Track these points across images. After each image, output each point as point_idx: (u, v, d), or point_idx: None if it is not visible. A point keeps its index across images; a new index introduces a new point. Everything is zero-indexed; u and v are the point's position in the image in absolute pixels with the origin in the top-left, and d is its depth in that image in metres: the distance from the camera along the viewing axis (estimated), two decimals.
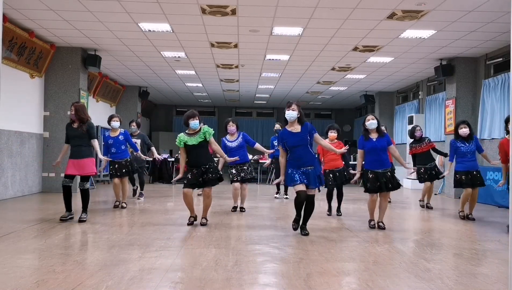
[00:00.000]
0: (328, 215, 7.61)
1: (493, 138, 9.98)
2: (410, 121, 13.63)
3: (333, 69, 12.44)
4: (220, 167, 7.33)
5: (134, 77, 14.43)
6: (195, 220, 6.38)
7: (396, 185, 6.17)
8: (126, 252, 4.62)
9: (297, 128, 5.61)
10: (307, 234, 5.67)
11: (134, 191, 9.68)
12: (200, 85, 15.62)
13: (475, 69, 10.97)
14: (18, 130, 9.32)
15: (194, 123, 6.10)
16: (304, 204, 5.67)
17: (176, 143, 6.17)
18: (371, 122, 6.22)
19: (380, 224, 6.32)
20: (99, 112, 13.44)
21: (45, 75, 10.52)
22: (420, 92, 14.01)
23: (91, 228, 6.09)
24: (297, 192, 5.54)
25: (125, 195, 8.27)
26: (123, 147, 8.02)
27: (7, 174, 8.99)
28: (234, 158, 6.74)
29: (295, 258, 4.57)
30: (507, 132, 6.48)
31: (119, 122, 8.08)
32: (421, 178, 8.56)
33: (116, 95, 15.56)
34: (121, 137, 7.99)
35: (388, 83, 14.71)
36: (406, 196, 11.18)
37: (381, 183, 6.07)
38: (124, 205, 8.09)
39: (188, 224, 6.27)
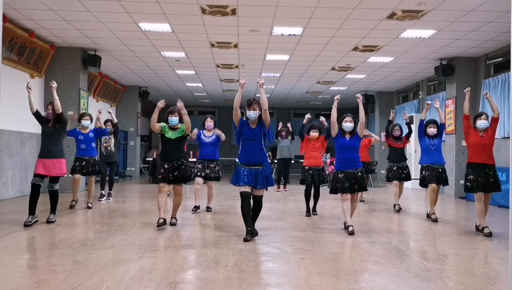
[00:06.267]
0: (307, 216, 7.48)
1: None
2: (410, 121, 13.61)
3: (333, 69, 12.44)
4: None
5: (134, 77, 14.44)
6: (165, 223, 6.16)
7: (364, 187, 6.05)
8: (126, 252, 4.62)
9: (254, 124, 5.63)
10: (256, 234, 5.57)
11: (110, 194, 9.42)
12: (200, 85, 15.63)
13: (475, 69, 10.97)
14: (18, 130, 9.32)
15: (173, 119, 6.11)
16: (252, 205, 5.61)
17: (159, 130, 6.14)
18: (348, 125, 6.03)
19: (350, 228, 5.99)
20: None
21: (45, 75, 10.52)
22: (420, 92, 14.01)
23: (91, 228, 6.09)
24: (241, 193, 5.51)
25: (91, 195, 8.08)
26: (93, 144, 7.97)
27: (7, 174, 8.99)
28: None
29: (295, 258, 4.57)
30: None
31: (89, 121, 7.99)
32: (389, 177, 8.47)
33: (116, 95, 15.57)
34: (91, 134, 7.94)
35: (388, 83, 14.71)
36: (406, 196, 11.17)
37: (350, 183, 5.94)
38: (90, 205, 7.89)
39: (158, 226, 6.04)
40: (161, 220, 6.14)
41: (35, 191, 6.16)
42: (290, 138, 11.71)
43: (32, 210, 6.10)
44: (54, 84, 6.37)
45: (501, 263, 4.52)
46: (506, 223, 6.80)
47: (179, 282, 3.69)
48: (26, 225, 5.97)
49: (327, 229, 6.29)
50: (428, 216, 7.30)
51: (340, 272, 4.03)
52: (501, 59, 9.91)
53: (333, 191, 6.13)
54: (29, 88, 6.13)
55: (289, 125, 11.65)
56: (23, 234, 5.51)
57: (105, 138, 8.95)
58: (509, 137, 9.21)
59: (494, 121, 6.16)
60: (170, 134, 6.12)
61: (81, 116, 8.04)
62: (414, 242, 5.62)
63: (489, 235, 5.83)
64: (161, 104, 6.02)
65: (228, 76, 13.81)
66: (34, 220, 6.12)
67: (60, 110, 6.31)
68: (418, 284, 3.74)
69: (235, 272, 3.95)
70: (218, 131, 7.72)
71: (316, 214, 7.58)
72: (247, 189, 5.46)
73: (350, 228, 5.97)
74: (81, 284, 3.52)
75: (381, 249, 5.04)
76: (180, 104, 6.04)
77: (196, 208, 7.72)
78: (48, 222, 6.23)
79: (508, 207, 8.57)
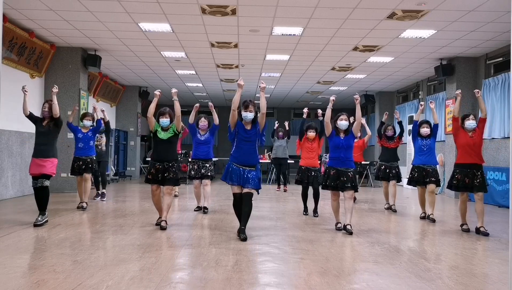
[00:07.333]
0: (305, 214, 7.59)
1: (493, 138, 9.97)
2: (410, 121, 13.60)
3: (333, 69, 12.44)
4: (192, 114, 7.55)
5: (134, 77, 14.44)
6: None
7: (354, 186, 5.99)
8: (126, 252, 4.62)
9: (249, 126, 5.62)
10: (245, 239, 5.29)
11: (103, 194, 9.25)
12: (200, 85, 15.63)
13: (475, 69, 10.97)
14: (18, 130, 9.31)
15: (164, 121, 6.09)
16: (242, 204, 5.54)
17: (153, 126, 6.13)
18: (343, 123, 6.03)
19: (348, 227, 5.90)
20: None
21: (45, 75, 10.52)
22: (420, 92, 14.00)
23: (91, 228, 6.09)
24: (233, 194, 5.58)
25: (87, 194, 7.98)
26: (91, 143, 8.01)
27: (7, 174, 8.99)
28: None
29: (295, 258, 4.57)
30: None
31: (91, 121, 8.06)
32: (378, 176, 8.55)
33: (116, 95, 15.57)
34: (90, 134, 8.00)
35: (388, 83, 14.71)
36: (405, 196, 11.18)
37: (341, 181, 5.94)
38: (84, 205, 7.78)
39: (156, 225, 6.16)
40: (160, 219, 6.24)
41: (37, 193, 6.25)
42: (286, 138, 11.83)
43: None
44: (55, 89, 6.41)
45: (501, 263, 4.52)
46: (506, 223, 6.80)
47: (179, 282, 3.70)
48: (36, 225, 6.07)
49: (327, 229, 6.29)
50: (422, 217, 7.37)
51: (340, 272, 4.03)
52: (501, 59, 9.92)
53: (324, 186, 6.16)
54: (25, 91, 6.15)
55: (286, 123, 11.79)
56: (23, 234, 5.51)
57: (97, 136, 8.92)
58: (509, 137, 9.21)
59: (482, 121, 6.24)
60: (162, 135, 6.10)
61: (84, 116, 8.11)
62: (414, 242, 5.62)
63: (467, 230, 6.20)
64: (158, 93, 6.05)
65: (228, 76, 13.81)
66: (45, 219, 6.27)
67: (58, 115, 6.32)
68: (418, 284, 3.74)
69: (235, 272, 3.95)
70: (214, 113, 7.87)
71: (317, 216, 7.50)
72: (237, 190, 5.53)
73: (338, 225, 6.18)
74: (81, 284, 3.52)
75: (381, 249, 5.04)
76: (174, 90, 6.19)
77: (199, 208, 7.80)
78: (35, 225, 5.96)
79: (508, 207, 8.57)
